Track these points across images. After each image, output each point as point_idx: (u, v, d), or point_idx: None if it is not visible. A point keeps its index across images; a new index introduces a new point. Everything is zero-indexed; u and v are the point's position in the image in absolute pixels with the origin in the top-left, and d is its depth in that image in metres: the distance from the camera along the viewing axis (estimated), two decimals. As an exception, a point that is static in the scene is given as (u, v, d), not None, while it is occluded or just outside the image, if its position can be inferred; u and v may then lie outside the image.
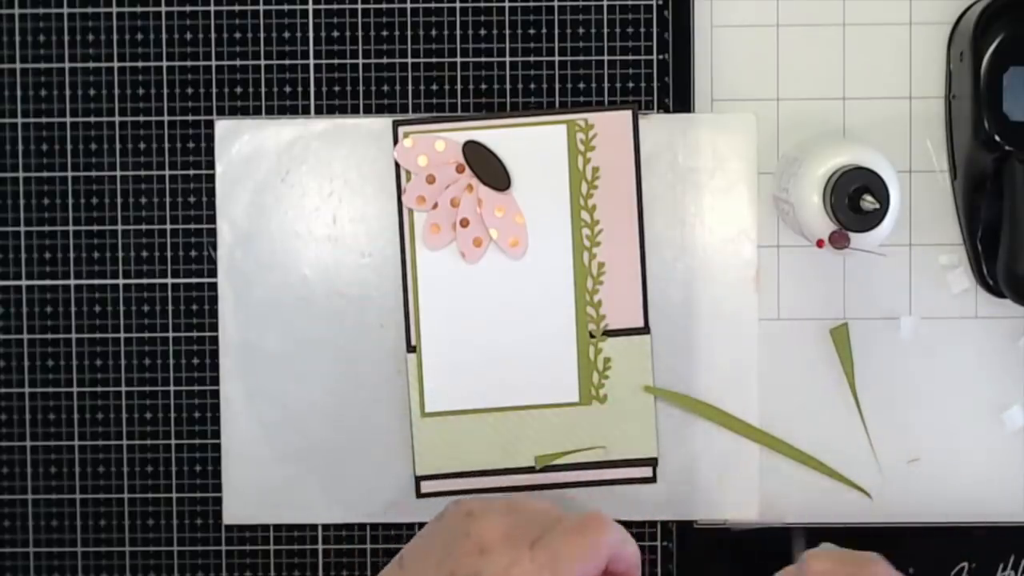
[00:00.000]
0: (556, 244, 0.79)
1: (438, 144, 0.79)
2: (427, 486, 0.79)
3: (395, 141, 0.79)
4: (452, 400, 0.79)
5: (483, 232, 0.79)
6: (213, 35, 0.80)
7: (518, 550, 0.63)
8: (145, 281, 0.80)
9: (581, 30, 0.79)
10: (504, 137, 0.79)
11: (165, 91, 0.80)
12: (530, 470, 0.79)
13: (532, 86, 0.79)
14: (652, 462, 0.79)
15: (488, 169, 0.79)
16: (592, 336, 0.79)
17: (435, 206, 0.79)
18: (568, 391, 0.79)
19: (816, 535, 0.79)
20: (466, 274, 0.79)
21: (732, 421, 0.79)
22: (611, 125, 0.79)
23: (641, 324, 0.79)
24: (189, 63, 0.80)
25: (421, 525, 0.80)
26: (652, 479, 0.79)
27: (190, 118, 0.80)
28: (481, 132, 0.79)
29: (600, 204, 0.79)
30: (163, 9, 0.80)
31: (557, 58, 0.79)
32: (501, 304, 0.79)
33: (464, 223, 0.79)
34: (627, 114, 0.79)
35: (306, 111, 0.80)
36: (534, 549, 0.63)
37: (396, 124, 0.79)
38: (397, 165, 0.79)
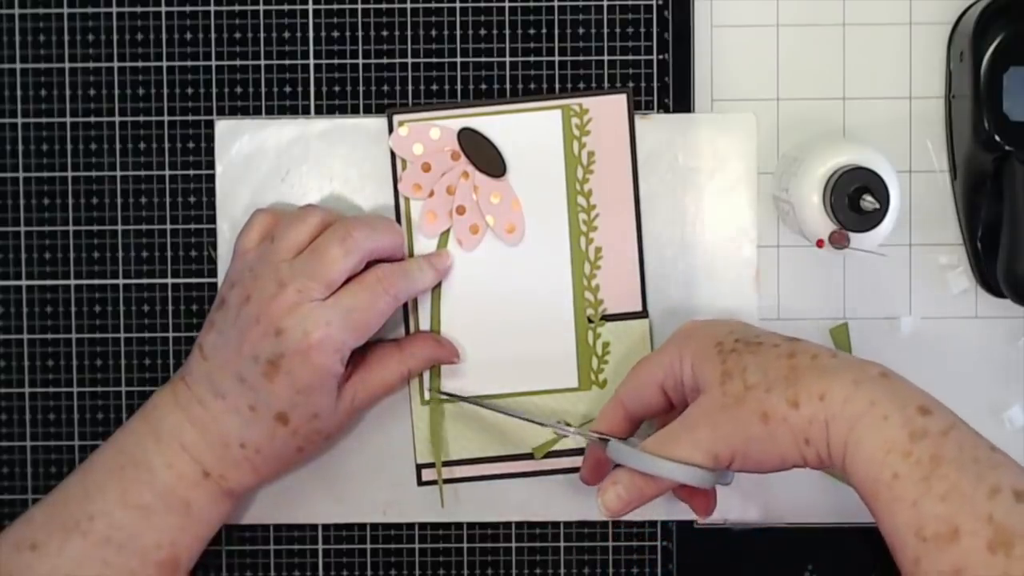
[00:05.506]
0: (553, 229, 0.79)
1: (433, 132, 0.79)
2: (428, 474, 0.79)
3: (390, 130, 0.79)
4: (451, 388, 0.79)
5: (480, 219, 0.79)
6: (213, 35, 0.80)
7: (308, 307, 0.71)
8: (145, 281, 0.80)
9: (581, 30, 0.79)
10: (499, 123, 0.79)
11: (165, 91, 0.80)
12: (529, 457, 0.79)
13: (532, 86, 0.79)
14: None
15: (483, 156, 0.79)
16: (590, 321, 0.79)
17: (431, 194, 0.79)
18: (567, 376, 0.79)
19: (816, 535, 0.79)
20: (464, 262, 0.79)
21: (732, 421, 0.79)
22: (606, 109, 0.79)
23: (639, 308, 0.79)
24: (189, 63, 0.80)
25: (422, 525, 0.80)
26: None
27: (190, 118, 0.80)
28: (476, 119, 0.79)
29: (596, 188, 0.79)
30: (163, 9, 0.80)
31: (557, 58, 0.79)
32: (499, 291, 0.79)
33: (460, 210, 0.79)
34: (622, 98, 0.79)
35: (306, 111, 0.80)
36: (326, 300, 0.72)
37: (391, 113, 0.79)
38: (393, 154, 0.79)
